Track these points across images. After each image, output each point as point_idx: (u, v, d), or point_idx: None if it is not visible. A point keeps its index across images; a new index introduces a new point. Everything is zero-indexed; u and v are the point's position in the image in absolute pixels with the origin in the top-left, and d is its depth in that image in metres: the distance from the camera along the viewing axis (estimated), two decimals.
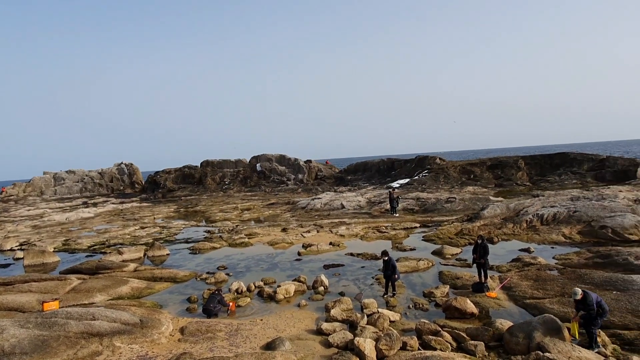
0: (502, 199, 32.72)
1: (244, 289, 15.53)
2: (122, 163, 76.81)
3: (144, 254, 22.75)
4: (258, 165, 61.38)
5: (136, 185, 73.89)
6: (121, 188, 73.06)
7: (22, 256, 23.64)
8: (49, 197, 69.19)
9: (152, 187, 66.45)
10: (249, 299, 14.59)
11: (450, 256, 18.90)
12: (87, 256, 23.67)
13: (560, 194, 30.60)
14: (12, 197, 68.17)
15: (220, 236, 26.66)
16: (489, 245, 15.19)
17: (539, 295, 13.25)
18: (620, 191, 29.04)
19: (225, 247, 23.79)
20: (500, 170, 46.38)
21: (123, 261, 20.79)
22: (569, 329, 9.98)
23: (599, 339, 9.75)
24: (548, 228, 22.21)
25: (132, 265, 19.54)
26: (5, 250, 26.90)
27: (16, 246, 27.71)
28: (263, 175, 60.42)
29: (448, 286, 14.68)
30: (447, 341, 10.39)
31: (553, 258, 17.52)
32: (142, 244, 25.23)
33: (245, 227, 29.73)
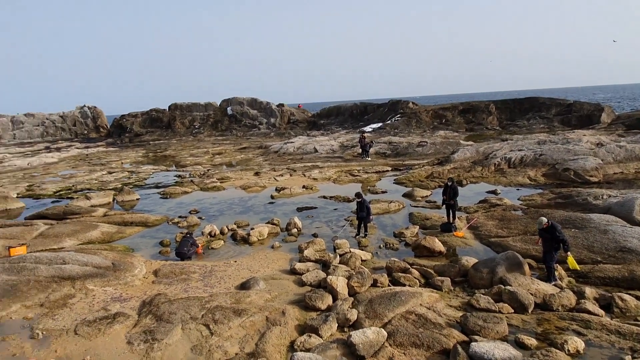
0: (472, 143, 33.26)
1: (217, 232, 15.57)
2: (84, 106, 73.42)
3: (113, 199, 22.35)
4: (229, 108, 59.91)
5: (101, 130, 71.30)
6: (85, 132, 70.41)
7: None
8: (7, 141, 66.15)
9: (118, 131, 64.33)
10: (222, 242, 14.67)
11: (420, 198, 19.32)
12: (53, 202, 23.07)
13: (528, 138, 31.33)
14: None
15: (192, 180, 26.36)
16: (458, 188, 15.56)
17: (503, 234, 13.81)
18: (584, 135, 29.94)
19: (197, 192, 23.59)
20: (472, 115, 46.84)
21: (92, 206, 20.39)
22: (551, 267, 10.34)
23: (556, 273, 10.32)
24: (515, 171, 22.86)
25: (101, 210, 19.21)
26: None
27: None
28: (234, 119, 59.21)
29: (418, 227, 15.09)
30: (415, 277, 10.81)
31: (518, 199, 18.17)
32: (110, 189, 24.71)
33: (217, 172, 29.44)
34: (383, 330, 7.99)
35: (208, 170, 30.34)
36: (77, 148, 51.74)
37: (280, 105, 60.22)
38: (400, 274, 10.92)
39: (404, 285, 10.43)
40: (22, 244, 12.36)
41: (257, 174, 27.51)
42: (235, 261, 12.69)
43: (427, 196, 19.60)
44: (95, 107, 73.25)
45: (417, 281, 10.69)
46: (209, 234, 15.36)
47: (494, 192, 19.61)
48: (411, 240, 13.73)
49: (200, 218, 17.79)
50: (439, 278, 10.58)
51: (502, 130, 42.85)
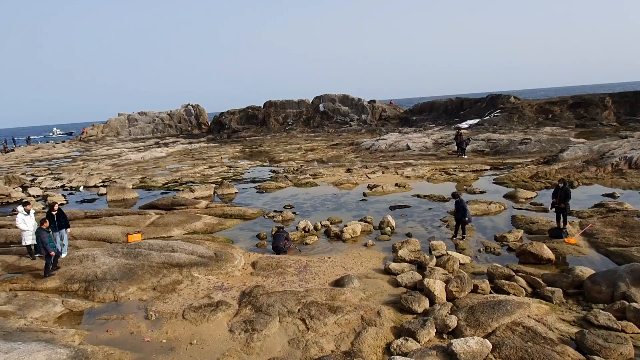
0: (584, 140, 30.31)
1: (311, 227, 15.80)
2: (189, 104, 79.22)
3: (214, 192, 23.70)
4: (321, 105, 60.86)
5: (202, 126, 76.39)
6: (189, 129, 75.90)
7: (105, 192, 25.55)
8: (124, 137, 73.50)
9: (218, 127, 68.36)
10: (316, 238, 14.85)
11: (524, 200, 17.98)
12: (162, 193, 25.09)
13: None
14: (92, 138, 73.21)
15: (286, 176, 27.12)
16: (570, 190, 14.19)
17: (625, 243, 12.31)
18: None
19: (290, 187, 24.21)
20: (583, 110, 42.71)
21: (195, 198, 21.81)
22: None
23: None
24: (637, 172, 20.37)
25: (203, 203, 20.45)
26: (90, 187, 29.16)
27: (99, 183, 29.91)
28: (326, 116, 60.03)
29: (522, 231, 14.03)
30: (521, 286, 10.02)
31: None
32: (211, 183, 26.26)
33: (309, 168, 29.99)
34: (487, 341, 7.49)
35: (301, 166, 31.03)
36: (182, 144, 55.87)
37: (372, 102, 59.85)
38: (503, 281, 10.20)
39: (508, 293, 9.72)
40: (138, 232, 13.55)
41: (348, 170, 27.55)
42: (329, 258, 12.75)
43: (531, 198, 18.18)
44: (198, 105, 78.65)
45: (523, 290, 9.91)
46: (303, 229, 15.64)
47: (611, 195, 17.63)
48: (515, 245, 12.78)
49: (294, 213, 18.20)
50: (549, 288, 9.70)
51: (620, 126, 38.51)
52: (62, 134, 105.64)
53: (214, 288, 10.87)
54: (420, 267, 11.59)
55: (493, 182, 21.90)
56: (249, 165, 33.63)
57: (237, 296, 10.34)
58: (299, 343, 8.13)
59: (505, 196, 18.74)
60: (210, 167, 33.82)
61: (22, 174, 36.24)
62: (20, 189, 28.80)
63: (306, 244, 14.42)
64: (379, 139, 38.93)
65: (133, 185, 27.66)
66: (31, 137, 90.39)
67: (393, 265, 11.55)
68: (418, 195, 19.93)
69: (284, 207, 19.57)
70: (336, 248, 13.85)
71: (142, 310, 9.88)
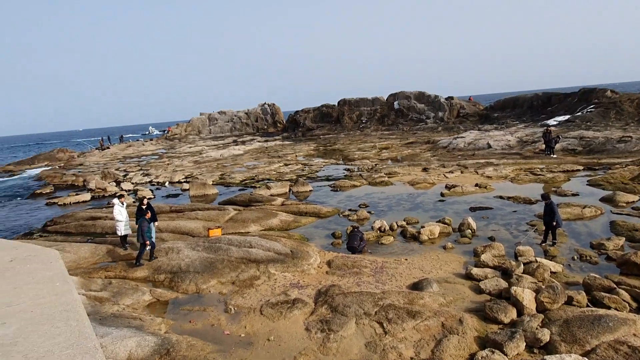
0: None
1: (387, 227, 15.46)
2: (265, 103, 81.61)
3: (289, 190, 24.07)
4: (396, 103, 59.85)
5: (278, 125, 78.30)
6: (265, 127, 78.18)
7: (188, 188, 26.94)
8: (205, 135, 77.34)
9: (293, 126, 69.69)
10: (391, 238, 14.49)
11: (624, 204, 16.28)
12: (240, 189, 25.95)
13: None
14: (176, 136, 77.83)
15: (360, 174, 26.90)
16: None
17: None
18: None
19: (365, 186, 23.95)
20: None
21: (271, 195, 22.28)
22: None
23: None
24: None
25: (279, 200, 20.82)
26: (174, 182, 30.92)
27: (183, 179, 31.62)
28: (401, 114, 58.94)
29: (623, 238, 12.69)
30: (624, 300, 9.01)
31: None
32: (286, 180, 26.71)
33: (384, 166, 29.53)
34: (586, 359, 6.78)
35: (376, 164, 30.63)
36: (258, 142, 57.62)
37: (450, 98, 57.78)
38: (603, 293, 9.23)
39: (609, 307, 8.77)
40: (218, 227, 14.04)
41: (425, 169, 26.73)
42: (406, 259, 12.36)
43: (633, 202, 16.43)
44: (274, 104, 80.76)
45: (627, 305, 8.89)
46: (379, 229, 15.34)
47: None
48: (615, 254, 11.56)
49: (369, 212, 17.93)
50: None
51: None
52: (157, 132, 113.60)
53: (290, 285, 10.94)
54: (506, 273, 10.85)
55: (587, 184, 20.12)
56: (323, 163, 33.82)
57: (313, 295, 10.32)
58: (376, 347, 7.90)
59: (602, 199, 17.10)
60: (286, 164, 34.48)
61: (116, 169, 39.36)
62: (114, 184, 31.26)
63: (382, 244, 14.12)
64: (457, 137, 37.43)
65: (213, 181, 28.89)
66: (126, 135, 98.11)
67: (475, 271, 10.92)
68: (501, 197, 18.81)
69: (359, 206, 19.37)
70: (413, 249, 13.41)
71: (222, 303, 10.18)
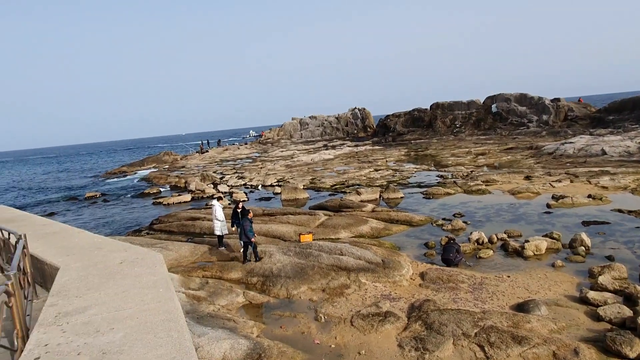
0: None
1: (485, 239, 14.41)
2: (355, 108, 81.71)
3: (380, 196, 23.60)
4: (494, 106, 56.51)
5: (368, 129, 77.93)
6: (355, 132, 78.22)
7: (279, 191, 27.62)
8: (296, 140, 79.37)
9: (383, 130, 68.88)
10: (491, 252, 13.47)
11: None
12: (330, 194, 26.03)
13: None
14: (269, 140, 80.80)
15: (454, 182, 25.63)
16: None
17: None
18: None
19: (460, 194, 22.75)
20: None
21: (361, 201, 21.99)
22: None
23: None
24: None
25: (369, 206, 20.46)
26: (267, 186, 31.92)
27: (275, 182, 32.55)
28: (499, 117, 55.52)
29: None
30: None
31: None
32: (377, 186, 26.27)
33: (480, 173, 27.87)
34: None
35: (471, 171, 29.03)
36: (348, 146, 57.73)
37: (555, 100, 53.27)
38: None
39: None
40: (310, 233, 14.07)
41: (527, 178, 24.73)
42: (509, 276, 11.36)
43: None
44: (364, 108, 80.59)
45: None
46: (476, 241, 14.35)
47: None
48: None
49: (465, 222, 16.90)
50: None
51: None
52: (255, 135, 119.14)
53: (382, 297, 10.55)
54: (629, 299, 9.49)
55: None
56: (415, 169, 32.83)
57: (406, 308, 9.83)
58: None
59: None
60: (376, 170, 34.03)
61: (214, 172, 41.70)
62: (212, 186, 33.08)
63: (480, 257, 13.17)
64: (565, 143, 34.26)
65: (304, 185, 29.33)
66: (223, 139, 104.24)
67: (592, 294, 9.68)
68: (620, 210, 16.72)
69: (454, 215, 18.38)
70: (516, 266, 12.31)
71: (312, 310, 10.08)
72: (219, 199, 15.18)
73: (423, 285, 11.15)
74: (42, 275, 5.91)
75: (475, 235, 14.55)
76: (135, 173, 52.52)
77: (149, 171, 51.51)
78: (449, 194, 22.76)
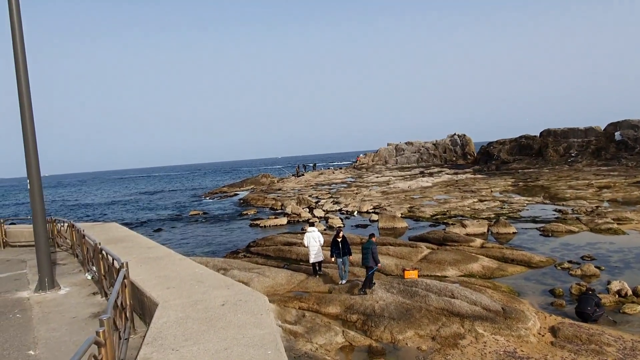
0: None
1: (629, 291, 12.01)
2: (454, 134, 78.40)
3: (488, 229, 21.49)
4: (617, 133, 50.43)
5: (468, 157, 74.09)
6: (453, 159, 74.79)
7: (376, 219, 26.51)
8: (391, 165, 77.83)
9: (485, 158, 64.95)
10: (638, 307, 11.11)
11: None
12: (430, 225, 24.36)
13: None
14: (363, 165, 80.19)
15: (577, 218, 22.57)
16: None
17: None
18: None
19: (585, 232, 19.88)
20: None
21: (467, 234, 20.14)
22: None
23: None
24: None
25: (478, 241, 18.57)
26: (363, 212, 30.96)
27: (371, 209, 31.49)
28: (624, 146, 49.34)
29: None
30: None
31: None
32: (483, 218, 24.08)
33: (609, 209, 24.35)
34: None
35: (597, 207, 25.51)
36: (447, 174, 54.99)
37: None
38: None
39: None
40: (415, 269, 12.78)
41: None
42: None
43: None
44: (464, 135, 77.02)
45: None
46: (617, 292, 12.00)
47: None
48: None
49: (598, 268, 14.40)
50: None
51: None
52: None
53: (505, 353, 8.94)
54: None
55: None
56: (526, 202, 29.77)
57: None
58: None
59: None
60: (481, 200, 31.51)
61: (309, 196, 41.79)
62: (307, 210, 32.92)
63: (625, 313, 10.91)
64: None
65: (401, 214, 27.93)
66: (319, 163, 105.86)
67: None
68: None
69: (582, 258, 15.87)
70: None
71: None
72: (312, 224, 14.76)
73: (556, 345, 9.31)
74: (142, 306, 5.51)
75: (615, 285, 12.21)
76: (235, 194, 54.69)
77: (247, 192, 53.35)
78: (571, 231, 19.99)
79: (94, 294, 7.15)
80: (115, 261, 5.44)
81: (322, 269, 14.57)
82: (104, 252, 6.14)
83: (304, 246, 14.29)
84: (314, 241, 14.08)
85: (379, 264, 12.28)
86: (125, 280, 4.78)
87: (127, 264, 4.95)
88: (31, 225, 8.60)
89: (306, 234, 14.34)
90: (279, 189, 52.98)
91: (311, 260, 14.34)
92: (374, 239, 12.60)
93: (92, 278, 7.86)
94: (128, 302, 4.81)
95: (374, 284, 12.30)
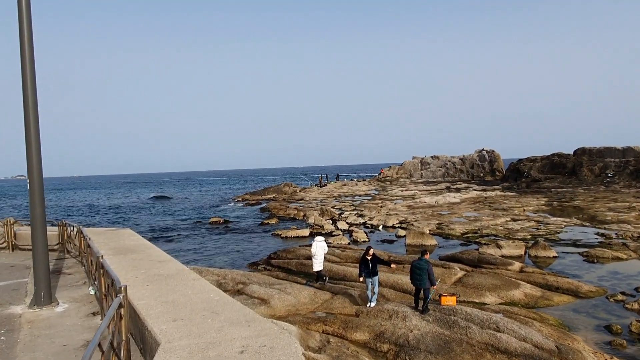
0: None
1: None
2: (483, 150, 76.27)
3: (525, 252, 19.98)
4: None
5: (496, 173, 71.85)
6: (481, 175, 72.63)
7: (403, 234, 25.23)
8: (416, 179, 76.08)
9: (514, 175, 62.68)
10: None
11: None
12: (461, 244, 22.99)
13: None
14: (387, 178, 78.61)
15: (624, 244, 20.84)
16: None
17: None
18: None
19: (634, 260, 18.21)
20: None
21: (503, 256, 18.71)
22: None
23: None
24: None
25: (517, 265, 17.13)
26: (388, 227, 29.66)
27: (397, 224, 30.17)
28: None
29: None
30: None
31: None
32: (519, 239, 22.53)
33: None
34: None
35: None
36: (475, 190, 53.12)
37: None
38: None
39: None
40: (453, 295, 11.51)
41: None
42: None
43: None
44: (493, 150, 74.83)
45: None
46: None
47: None
48: None
49: None
50: None
51: None
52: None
53: None
54: None
55: None
56: (564, 223, 27.99)
57: None
58: None
59: None
60: (514, 220, 29.84)
61: (332, 207, 40.65)
62: (330, 221, 31.78)
63: None
64: None
65: (430, 230, 26.55)
66: (342, 174, 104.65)
67: None
68: None
69: (635, 289, 14.31)
70: None
71: None
72: (318, 234, 14.58)
73: None
74: (142, 339, 4.54)
75: None
76: (257, 202, 53.96)
77: (269, 201, 52.55)
78: (619, 258, 18.34)
79: (94, 314, 6.24)
80: (114, 281, 4.48)
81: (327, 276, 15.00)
82: (104, 267, 5.20)
83: (311, 255, 14.95)
84: (321, 250, 14.76)
85: (434, 285, 11.05)
86: (122, 310, 3.78)
87: (126, 288, 3.97)
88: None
89: (315, 244, 14.90)
90: (301, 199, 52.02)
91: (316, 269, 14.84)
92: (427, 257, 11.24)
93: (95, 294, 6.95)
94: (123, 338, 3.82)
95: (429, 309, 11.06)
